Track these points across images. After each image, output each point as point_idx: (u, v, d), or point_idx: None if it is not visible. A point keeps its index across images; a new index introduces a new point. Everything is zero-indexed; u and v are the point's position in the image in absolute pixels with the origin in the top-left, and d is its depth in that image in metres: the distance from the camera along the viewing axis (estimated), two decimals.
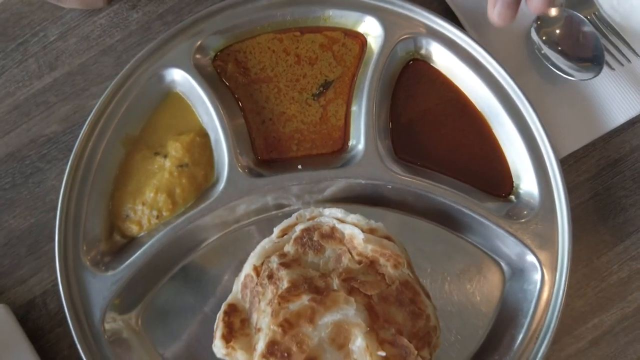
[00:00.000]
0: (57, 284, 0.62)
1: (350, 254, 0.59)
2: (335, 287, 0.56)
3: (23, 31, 0.71)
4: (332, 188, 0.64)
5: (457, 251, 0.65)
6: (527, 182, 0.63)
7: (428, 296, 0.58)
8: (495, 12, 0.54)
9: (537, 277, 0.61)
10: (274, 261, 0.58)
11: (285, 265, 0.58)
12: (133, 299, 0.64)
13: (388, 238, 0.60)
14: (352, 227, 0.59)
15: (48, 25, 0.72)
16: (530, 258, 0.61)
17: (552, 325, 0.60)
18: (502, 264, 0.65)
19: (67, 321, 0.60)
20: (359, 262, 0.58)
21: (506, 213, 0.63)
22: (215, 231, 0.65)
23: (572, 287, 0.65)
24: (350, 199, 0.65)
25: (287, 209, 0.66)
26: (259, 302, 0.57)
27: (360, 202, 0.65)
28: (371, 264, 0.58)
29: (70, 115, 0.70)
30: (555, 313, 0.60)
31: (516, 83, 0.63)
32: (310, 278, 0.57)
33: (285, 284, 0.55)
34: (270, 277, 0.57)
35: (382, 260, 0.58)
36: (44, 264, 0.68)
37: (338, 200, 0.65)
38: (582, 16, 0.66)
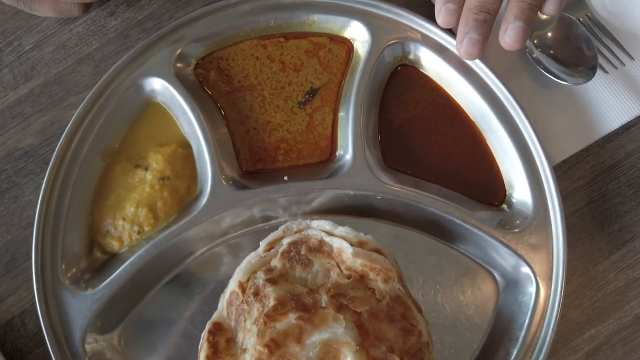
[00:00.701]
0: (34, 304, 0.60)
1: (339, 268, 0.57)
2: (324, 304, 0.54)
3: None
4: (320, 199, 0.63)
5: (449, 262, 0.64)
6: (520, 191, 0.62)
7: (420, 310, 0.57)
8: (462, 49, 0.56)
9: (532, 288, 0.60)
10: (260, 277, 0.57)
11: (271, 281, 0.56)
12: (115, 317, 0.62)
13: (378, 251, 0.58)
14: (340, 240, 0.58)
15: (23, 34, 0.69)
16: (525, 269, 0.60)
17: (548, 339, 0.59)
18: (496, 275, 0.63)
19: (45, 342, 0.59)
20: (348, 277, 0.56)
21: (499, 223, 0.61)
22: (200, 245, 0.64)
23: (568, 297, 0.64)
24: (338, 210, 0.64)
25: (274, 221, 0.64)
26: (245, 321, 0.56)
27: (349, 213, 0.64)
28: (360, 279, 0.56)
29: (47, 127, 0.68)
30: (551, 326, 0.59)
31: (507, 88, 0.61)
32: (298, 294, 0.55)
33: (271, 302, 0.54)
34: (256, 294, 0.56)
35: (371, 275, 0.56)
36: (21, 282, 0.65)
37: (326, 211, 0.64)
38: (574, 18, 0.64)
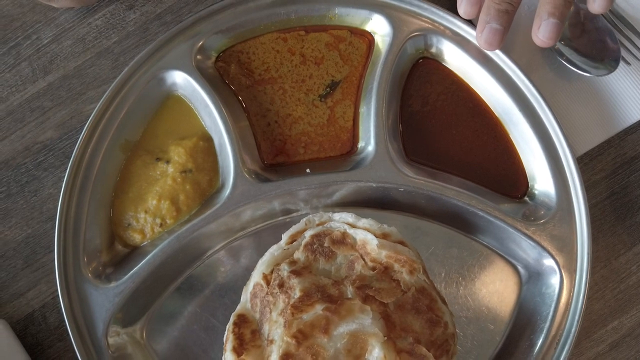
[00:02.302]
0: (56, 297, 0.60)
1: (364, 260, 0.57)
2: (350, 295, 0.54)
3: (15, 34, 0.69)
4: (340, 192, 0.63)
5: (471, 255, 0.63)
6: (542, 182, 0.62)
7: (444, 302, 0.57)
8: (482, 38, 0.55)
9: (556, 280, 0.60)
10: (284, 269, 0.56)
11: (296, 273, 0.56)
12: (137, 311, 0.62)
13: (402, 243, 0.58)
14: (364, 232, 0.57)
15: (41, 27, 0.69)
16: (548, 261, 0.60)
17: (573, 330, 0.58)
18: (519, 267, 0.63)
19: (68, 335, 0.59)
20: (373, 269, 0.56)
21: (522, 215, 0.61)
22: (221, 239, 0.64)
23: (590, 289, 0.64)
24: (359, 203, 0.64)
25: (295, 214, 0.64)
26: (270, 312, 0.55)
27: (370, 206, 0.64)
28: (385, 270, 0.56)
29: (66, 121, 0.67)
30: (576, 317, 0.58)
31: (530, 80, 0.61)
32: (323, 286, 0.55)
33: (297, 293, 0.54)
34: (281, 285, 0.55)
35: (396, 266, 0.56)
36: (41, 276, 0.65)
37: (347, 204, 0.64)
38: None
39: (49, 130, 0.67)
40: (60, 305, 0.59)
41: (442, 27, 0.64)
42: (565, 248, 0.59)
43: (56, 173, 0.66)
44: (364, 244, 0.57)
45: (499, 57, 0.62)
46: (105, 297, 0.59)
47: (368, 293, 0.53)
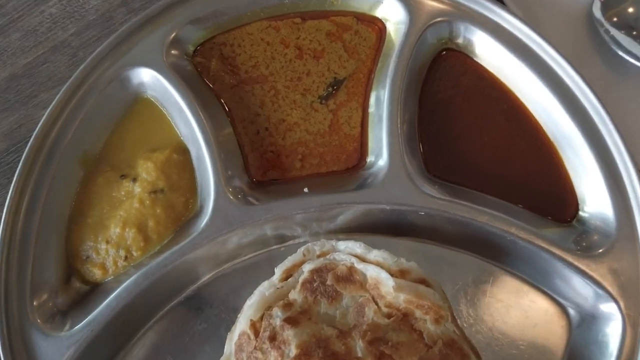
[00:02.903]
0: None
1: (376, 303, 0.49)
2: (360, 353, 0.46)
3: None
4: (346, 215, 0.56)
5: (507, 291, 0.56)
6: (597, 203, 0.54)
7: (478, 357, 0.49)
8: None
9: (617, 327, 0.51)
10: (277, 315, 0.49)
11: (291, 321, 0.48)
12: None
13: (423, 282, 0.50)
14: (376, 269, 0.50)
15: None
16: (607, 302, 0.52)
17: None
18: (568, 308, 0.55)
19: None
20: (388, 316, 0.48)
21: (572, 243, 0.54)
22: (201, 273, 0.57)
23: None
24: (368, 228, 0.57)
25: (290, 242, 0.58)
26: None
27: (381, 232, 0.57)
28: (404, 318, 0.48)
29: (14, 130, 0.62)
30: None
31: (580, 75, 0.55)
32: (326, 339, 0.47)
33: (292, 350, 0.46)
34: (272, 338, 0.48)
35: (418, 313, 0.48)
36: None
37: (354, 229, 0.57)
38: None
39: None
40: (0, 357, 0.52)
41: (471, 12, 0.56)
42: (629, 286, 0.51)
43: (1, 193, 0.61)
44: (377, 284, 0.49)
45: (541, 47, 0.56)
46: (56, 348, 0.52)
47: (384, 351, 0.46)
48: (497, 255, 0.56)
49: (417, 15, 0.56)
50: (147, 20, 0.57)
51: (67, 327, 0.53)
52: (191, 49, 0.59)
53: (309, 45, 0.60)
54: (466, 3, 0.56)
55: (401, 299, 0.47)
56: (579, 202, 0.56)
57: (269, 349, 0.47)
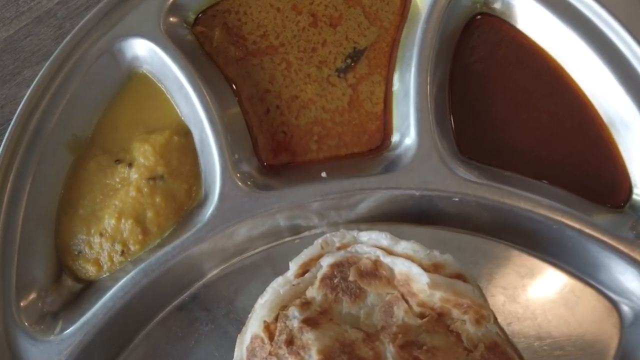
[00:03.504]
0: None
1: (407, 302, 0.45)
2: (391, 359, 0.42)
3: None
4: (368, 202, 0.54)
5: (552, 286, 0.53)
6: None
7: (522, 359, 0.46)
8: None
9: None
10: (294, 316, 0.46)
11: (311, 323, 0.45)
12: None
13: (460, 277, 0.46)
14: (406, 262, 0.46)
15: None
16: None
17: None
18: (620, 304, 0.51)
19: None
20: (422, 316, 0.45)
21: (627, 231, 0.50)
22: (207, 268, 0.55)
23: None
24: (393, 217, 0.54)
25: (306, 233, 0.55)
26: None
27: (409, 221, 0.54)
28: (439, 319, 0.45)
29: None
30: None
31: (637, 40, 0.51)
32: (350, 343, 0.44)
33: (314, 356, 0.43)
34: (289, 342, 0.44)
35: (456, 313, 0.44)
36: None
37: (377, 218, 0.55)
38: None
39: None
40: None
41: None
42: None
43: None
44: (407, 280, 0.45)
45: (592, 9, 0.52)
46: (46, 355, 0.50)
47: (418, 356, 0.42)
48: (540, 245, 0.53)
49: None
50: None
51: (57, 330, 0.51)
52: (192, 16, 0.56)
53: (325, 11, 0.57)
54: None
55: (436, 297, 0.44)
56: (633, 185, 0.53)
57: (286, 354, 0.44)
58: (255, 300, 0.49)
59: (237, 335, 0.49)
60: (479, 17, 0.55)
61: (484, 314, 0.44)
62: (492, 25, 0.55)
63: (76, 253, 0.54)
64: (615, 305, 0.52)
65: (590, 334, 0.51)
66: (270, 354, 0.45)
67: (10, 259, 0.51)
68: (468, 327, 0.43)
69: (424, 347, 0.43)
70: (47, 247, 0.54)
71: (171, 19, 0.55)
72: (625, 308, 0.52)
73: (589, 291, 0.52)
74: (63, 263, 0.54)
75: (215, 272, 0.55)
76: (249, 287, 0.54)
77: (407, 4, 0.57)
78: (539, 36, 0.55)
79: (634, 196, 0.52)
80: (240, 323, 0.52)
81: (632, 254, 0.48)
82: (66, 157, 0.54)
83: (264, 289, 0.49)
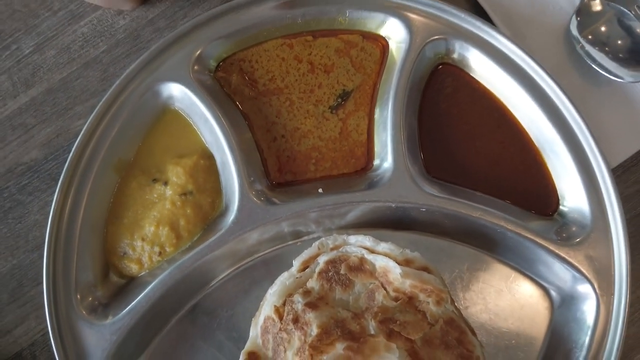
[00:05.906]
0: (46, 334, 0.56)
1: (385, 289, 0.53)
2: (373, 331, 0.50)
3: None
4: (355, 212, 0.59)
5: (498, 277, 0.60)
6: (575, 198, 0.58)
7: (474, 333, 0.53)
8: None
9: (592, 305, 0.56)
10: (298, 301, 0.53)
11: (311, 305, 0.52)
12: (136, 348, 0.58)
13: (426, 269, 0.54)
14: (384, 259, 0.53)
15: (21, 36, 0.63)
16: (583, 284, 0.56)
17: (612, 358, 0.54)
18: (550, 291, 0.60)
19: None
20: (396, 299, 0.52)
21: (554, 234, 0.58)
22: (226, 266, 0.60)
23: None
24: (375, 224, 0.60)
25: (305, 237, 0.61)
26: (285, 351, 0.51)
27: (387, 227, 0.60)
28: (410, 301, 0.52)
29: (52, 139, 0.63)
30: (615, 346, 0.54)
31: (560, 87, 0.58)
32: (342, 320, 0.51)
33: (314, 330, 0.50)
34: (295, 320, 0.51)
35: (422, 296, 0.52)
36: (30, 311, 0.60)
37: (362, 225, 0.60)
38: (628, 11, 0.59)
39: (33, 150, 0.62)
40: (51, 343, 0.54)
41: (464, 31, 0.59)
42: (602, 270, 0.56)
43: (42, 197, 0.62)
44: (385, 272, 0.53)
45: (526, 62, 0.59)
46: (101, 335, 0.55)
47: (393, 328, 0.50)
48: (489, 245, 0.59)
49: (417, 34, 0.58)
50: (174, 40, 0.58)
51: (109, 317, 0.56)
52: (214, 64, 0.60)
53: (320, 61, 0.62)
54: (461, 23, 0.59)
55: (407, 284, 0.51)
56: (560, 198, 0.59)
57: (293, 329, 0.50)
58: (265, 291, 0.55)
59: (251, 319, 0.55)
60: (440, 66, 0.61)
61: (443, 296, 0.51)
62: (451, 72, 0.61)
63: (121, 254, 0.58)
64: (546, 291, 0.59)
65: (529, 314, 0.58)
66: (280, 330, 0.51)
67: (70, 261, 0.56)
68: (431, 306, 0.51)
69: (398, 322, 0.50)
70: (99, 249, 0.58)
71: (197, 67, 0.59)
72: (554, 293, 0.59)
73: (527, 281, 0.59)
74: (110, 263, 0.59)
75: (232, 269, 0.59)
76: (260, 281, 0.59)
77: (385, 56, 0.61)
78: (488, 81, 0.60)
79: (561, 207, 0.59)
80: (253, 310, 0.55)
81: (557, 251, 0.55)
82: (113, 177, 0.59)
83: (273, 282, 0.55)
